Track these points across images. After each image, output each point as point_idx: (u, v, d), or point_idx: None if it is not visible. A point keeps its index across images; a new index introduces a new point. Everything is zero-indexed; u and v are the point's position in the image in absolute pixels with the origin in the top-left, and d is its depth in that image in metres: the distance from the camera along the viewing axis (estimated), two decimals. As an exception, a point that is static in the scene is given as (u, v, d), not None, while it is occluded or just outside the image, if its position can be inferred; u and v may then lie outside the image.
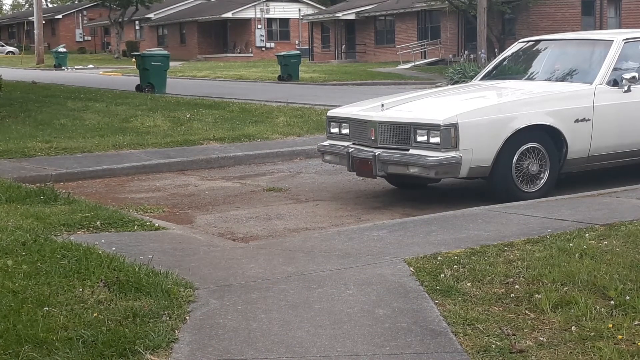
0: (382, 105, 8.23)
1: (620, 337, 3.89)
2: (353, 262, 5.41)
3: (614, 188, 7.89)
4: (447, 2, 38.07)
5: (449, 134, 7.55)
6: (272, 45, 59.19)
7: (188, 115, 15.86)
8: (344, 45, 51.47)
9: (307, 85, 28.82)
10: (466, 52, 33.75)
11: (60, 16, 76.52)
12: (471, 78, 14.14)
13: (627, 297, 4.36)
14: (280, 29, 61.11)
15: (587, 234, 5.84)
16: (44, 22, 53.47)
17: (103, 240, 6.02)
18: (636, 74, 8.44)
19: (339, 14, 50.22)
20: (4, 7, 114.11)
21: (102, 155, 11.34)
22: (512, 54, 10.14)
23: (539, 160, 7.99)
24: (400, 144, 7.88)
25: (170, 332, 4.07)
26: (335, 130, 8.79)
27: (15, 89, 22.20)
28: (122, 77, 35.75)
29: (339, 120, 8.73)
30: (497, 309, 4.38)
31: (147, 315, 4.26)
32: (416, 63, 41.36)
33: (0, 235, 5.86)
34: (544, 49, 9.92)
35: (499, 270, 4.99)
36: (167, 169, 10.82)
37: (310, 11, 58.33)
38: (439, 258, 5.34)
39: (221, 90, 25.26)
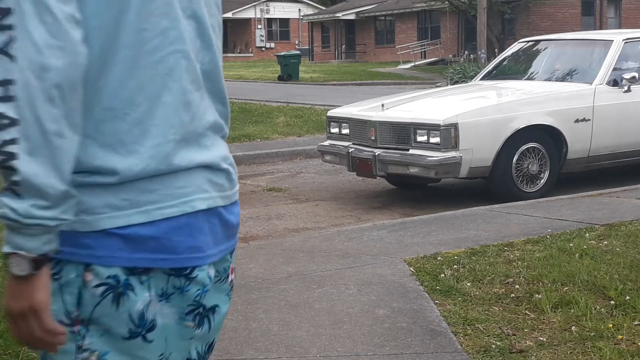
0: (382, 105, 8.24)
1: (620, 337, 3.89)
2: (353, 262, 5.41)
3: (614, 188, 7.89)
4: (447, 2, 38.09)
5: (449, 134, 7.55)
6: (272, 45, 59.21)
7: (188, 115, 15.82)
8: (344, 45, 51.49)
9: (307, 85, 28.82)
10: (466, 52, 33.76)
11: (60, 16, 76.58)
12: (471, 78, 14.15)
13: (627, 297, 4.36)
14: (280, 29, 61.12)
15: (587, 234, 5.84)
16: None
17: (103, 240, 6.01)
18: (636, 74, 8.45)
19: (339, 14, 50.24)
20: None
21: (102, 155, 11.33)
22: (512, 54, 10.15)
23: (539, 160, 7.99)
24: (400, 144, 7.89)
25: (170, 332, 4.07)
26: (335, 130, 8.79)
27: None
28: (122, 77, 35.73)
29: (339, 120, 8.73)
30: (497, 309, 4.38)
31: (147, 315, 4.25)
32: (416, 63, 41.37)
33: (0, 235, 5.86)
34: (544, 49, 9.92)
35: (499, 270, 4.99)
36: (167, 169, 10.81)
37: (310, 11, 58.34)
38: (439, 258, 5.34)
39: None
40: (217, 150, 1.59)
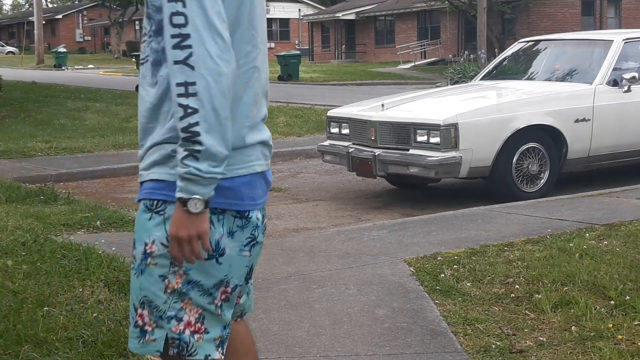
0: (382, 105, 8.24)
1: (620, 337, 3.89)
2: (353, 262, 5.41)
3: (614, 188, 7.89)
4: (447, 2, 38.08)
5: (449, 134, 7.55)
6: (272, 45, 59.15)
7: (188, 115, 15.82)
8: (344, 45, 51.47)
9: (307, 85, 28.82)
10: (466, 52, 33.75)
11: (60, 16, 76.49)
12: (471, 78, 14.14)
13: (627, 297, 4.36)
14: (280, 29, 61.10)
15: (587, 234, 5.84)
16: (44, 22, 53.47)
17: (103, 240, 6.01)
18: (636, 74, 8.45)
19: (339, 14, 50.22)
20: (4, 7, 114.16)
21: (102, 155, 11.33)
22: (512, 54, 10.14)
23: (539, 160, 7.99)
24: (400, 144, 7.89)
25: (170, 332, 4.06)
26: (335, 130, 8.79)
27: (15, 89, 22.21)
28: (122, 77, 35.74)
29: (339, 120, 8.73)
30: (497, 309, 4.38)
31: (147, 315, 4.25)
32: (416, 63, 41.37)
33: (0, 235, 5.86)
34: (544, 49, 9.92)
35: (499, 270, 4.99)
36: (167, 169, 10.79)
37: (310, 11, 58.33)
38: (439, 258, 5.34)
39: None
40: (267, 133, 2.29)
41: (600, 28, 36.95)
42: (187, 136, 2.01)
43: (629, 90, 8.50)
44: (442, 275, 4.93)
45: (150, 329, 2.21)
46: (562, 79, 9.00)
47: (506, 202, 7.48)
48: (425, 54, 43.92)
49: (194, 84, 1.99)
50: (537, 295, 4.48)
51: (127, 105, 17.88)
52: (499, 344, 3.88)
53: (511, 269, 5.00)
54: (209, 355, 2.24)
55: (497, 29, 37.32)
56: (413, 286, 4.81)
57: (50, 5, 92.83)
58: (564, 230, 6.01)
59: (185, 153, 2.02)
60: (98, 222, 6.67)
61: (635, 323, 4.06)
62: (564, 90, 8.52)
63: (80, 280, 4.83)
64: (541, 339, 3.95)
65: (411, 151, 7.79)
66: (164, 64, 2.12)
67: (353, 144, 8.40)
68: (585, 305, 4.26)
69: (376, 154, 7.97)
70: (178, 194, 2.05)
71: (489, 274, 4.92)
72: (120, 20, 58.84)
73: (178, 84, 2.00)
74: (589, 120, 8.25)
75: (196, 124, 2.00)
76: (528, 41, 10.36)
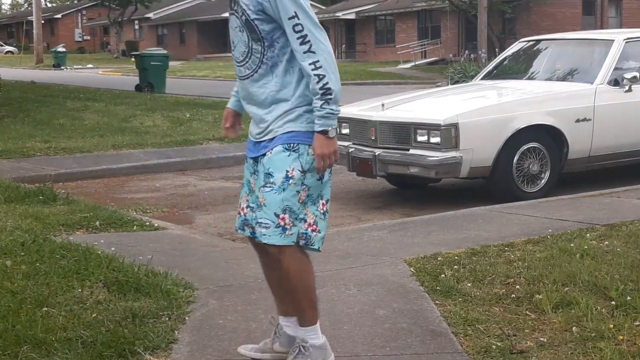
0: (382, 105, 8.22)
1: (621, 337, 3.88)
2: (353, 263, 5.39)
3: (615, 188, 7.88)
4: (447, 1, 38.07)
5: (450, 133, 7.54)
6: (272, 44, 59.04)
7: (187, 115, 15.85)
8: (344, 45, 51.49)
9: (307, 85, 28.77)
10: (466, 51, 33.75)
11: (59, 16, 76.47)
12: (471, 78, 14.13)
13: (628, 298, 4.34)
14: (280, 28, 60.97)
15: (588, 234, 5.82)
16: (43, 21, 53.41)
17: (102, 241, 6.00)
18: (637, 74, 8.43)
19: (339, 14, 50.23)
20: (3, 6, 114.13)
21: (101, 155, 11.32)
22: (513, 53, 10.12)
23: (539, 160, 7.97)
24: (400, 144, 7.87)
25: (169, 332, 4.06)
26: (335, 130, 8.75)
27: (14, 89, 22.20)
28: (121, 76, 35.74)
29: (339, 120, 8.64)
30: (497, 309, 4.37)
31: (147, 315, 4.24)
32: (416, 63, 41.37)
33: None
34: (545, 49, 9.90)
35: (499, 270, 4.98)
36: (166, 169, 10.80)
37: (310, 11, 58.24)
38: (439, 258, 5.32)
39: (221, 90, 25.20)
40: None
41: (601, 27, 36.97)
42: (324, 91, 3.26)
43: (630, 90, 8.48)
44: (442, 275, 4.92)
45: (289, 227, 3.38)
46: (563, 78, 8.98)
47: (507, 202, 7.46)
48: (426, 54, 43.93)
49: (318, 61, 3.26)
50: (537, 296, 4.47)
51: (126, 105, 17.86)
52: (499, 344, 3.87)
53: (512, 270, 4.99)
54: (319, 247, 3.50)
55: (498, 29, 37.32)
56: (413, 286, 4.80)
57: (49, 5, 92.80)
58: (565, 231, 6.00)
59: (322, 102, 3.27)
60: (97, 223, 6.65)
61: (636, 324, 4.05)
62: (565, 90, 8.51)
63: (79, 280, 4.82)
64: (542, 339, 3.93)
65: (411, 151, 7.77)
66: (279, 64, 3.36)
67: (353, 143, 8.38)
68: (586, 306, 4.24)
69: (376, 154, 7.96)
70: (320, 128, 3.29)
71: (490, 275, 4.90)
72: (120, 19, 58.80)
73: (309, 64, 3.27)
74: (590, 120, 8.23)
75: (327, 83, 3.26)
76: (529, 41, 10.34)
